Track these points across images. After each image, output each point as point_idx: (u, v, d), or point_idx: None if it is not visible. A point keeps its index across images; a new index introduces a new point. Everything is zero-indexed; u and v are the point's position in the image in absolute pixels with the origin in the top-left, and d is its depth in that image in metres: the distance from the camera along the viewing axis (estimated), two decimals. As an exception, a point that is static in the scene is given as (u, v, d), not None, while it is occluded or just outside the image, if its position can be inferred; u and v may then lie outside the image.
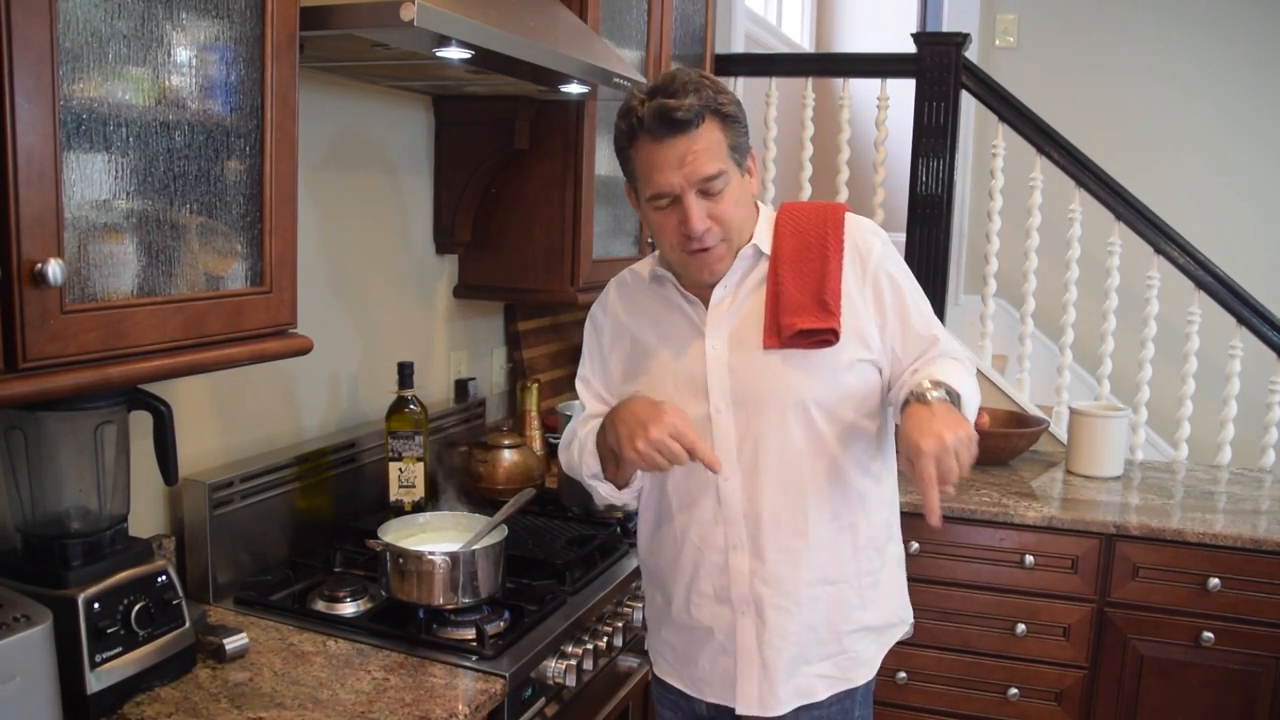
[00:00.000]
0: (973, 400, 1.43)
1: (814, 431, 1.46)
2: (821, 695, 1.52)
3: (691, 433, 1.36)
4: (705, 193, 1.40)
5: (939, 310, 3.03)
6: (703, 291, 1.51)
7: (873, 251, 1.49)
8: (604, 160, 2.38)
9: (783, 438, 1.45)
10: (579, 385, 1.65)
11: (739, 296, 1.50)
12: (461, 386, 2.46)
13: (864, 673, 1.55)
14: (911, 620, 1.64)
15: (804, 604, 1.48)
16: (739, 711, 1.52)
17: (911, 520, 2.51)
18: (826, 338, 1.43)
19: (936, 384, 1.36)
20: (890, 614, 1.58)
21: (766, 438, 1.46)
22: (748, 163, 1.47)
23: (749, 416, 1.46)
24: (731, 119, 1.42)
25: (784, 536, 1.47)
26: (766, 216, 1.53)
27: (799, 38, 5.19)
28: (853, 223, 1.51)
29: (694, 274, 1.48)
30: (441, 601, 1.62)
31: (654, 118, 1.37)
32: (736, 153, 1.43)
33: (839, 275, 1.46)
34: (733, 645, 1.51)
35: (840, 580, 1.50)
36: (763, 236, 1.50)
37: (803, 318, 1.42)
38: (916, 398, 1.35)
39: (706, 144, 1.38)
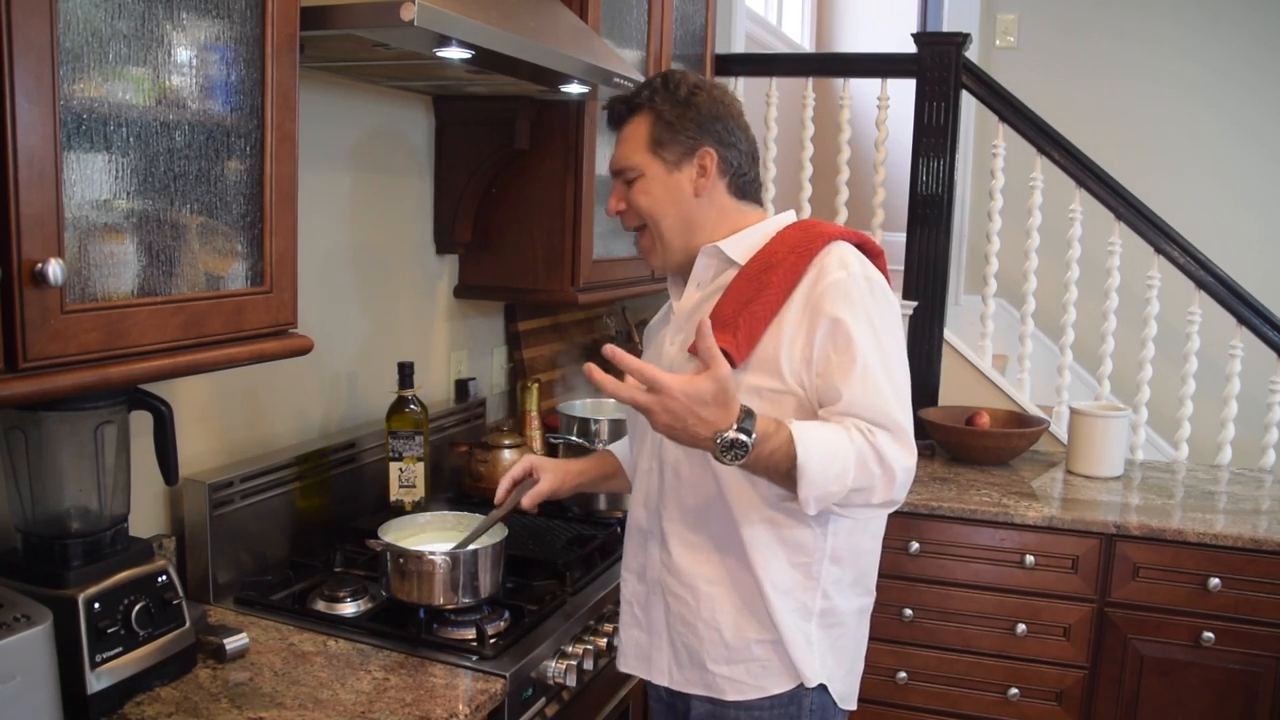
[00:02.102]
0: (825, 476, 1.24)
1: None
2: (729, 697, 1.45)
3: (505, 480, 1.67)
4: (625, 182, 1.51)
5: (939, 311, 3.03)
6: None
7: (826, 277, 1.37)
8: (604, 160, 2.38)
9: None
10: None
11: (703, 296, 1.51)
12: (462, 386, 2.46)
13: (781, 682, 1.44)
14: (822, 685, 1.45)
15: (702, 600, 1.46)
16: (653, 680, 1.55)
17: (913, 520, 2.55)
18: None
19: (776, 430, 1.23)
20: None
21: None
22: (685, 162, 1.47)
23: None
24: (661, 116, 1.47)
25: (684, 530, 1.48)
26: (765, 226, 1.49)
27: (799, 38, 5.19)
28: (830, 252, 1.41)
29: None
30: (442, 601, 1.62)
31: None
32: (658, 146, 1.47)
33: (773, 303, 1.38)
34: (646, 620, 1.54)
35: (743, 588, 1.44)
36: (738, 243, 1.47)
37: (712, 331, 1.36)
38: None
39: (629, 136, 1.51)
